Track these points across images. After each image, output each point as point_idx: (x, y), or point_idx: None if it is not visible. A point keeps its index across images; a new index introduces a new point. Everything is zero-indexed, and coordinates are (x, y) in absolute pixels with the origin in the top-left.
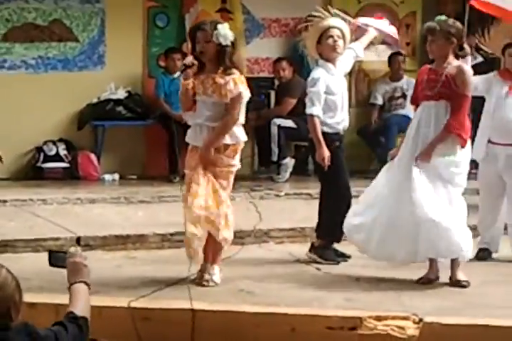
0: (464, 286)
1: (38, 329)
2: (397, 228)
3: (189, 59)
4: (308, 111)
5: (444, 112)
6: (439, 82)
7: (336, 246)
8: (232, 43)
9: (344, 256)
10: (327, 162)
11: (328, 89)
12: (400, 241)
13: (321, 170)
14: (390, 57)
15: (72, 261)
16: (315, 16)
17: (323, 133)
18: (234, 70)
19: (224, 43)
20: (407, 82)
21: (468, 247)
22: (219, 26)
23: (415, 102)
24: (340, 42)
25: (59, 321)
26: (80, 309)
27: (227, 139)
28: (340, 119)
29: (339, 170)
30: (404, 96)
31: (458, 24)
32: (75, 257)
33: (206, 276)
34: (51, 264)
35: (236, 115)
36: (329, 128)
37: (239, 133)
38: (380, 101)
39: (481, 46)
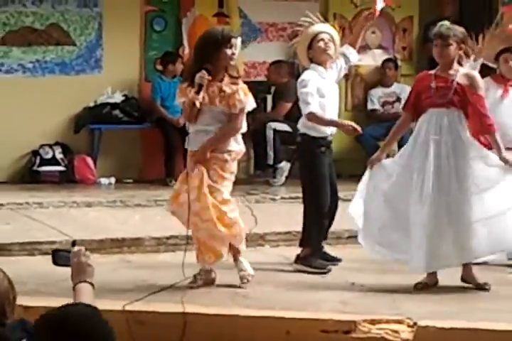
0: (488, 290)
1: None
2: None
3: (204, 76)
4: (305, 111)
5: (458, 120)
6: (451, 89)
7: (327, 249)
8: None
9: (335, 260)
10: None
11: (318, 91)
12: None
13: (304, 175)
14: (382, 64)
15: (76, 260)
16: (305, 22)
17: (309, 137)
18: (239, 80)
19: (235, 51)
20: (400, 87)
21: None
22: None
23: (414, 109)
24: (330, 44)
25: None
26: None
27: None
28: None
29: (320, 176)
30: (399, 100)
31: (464, 30)
32: (79, 256)
33: (241, 273)
34: (55, 263)
35: (239, 124)
36: (316, 132)
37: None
38: (377, 106)
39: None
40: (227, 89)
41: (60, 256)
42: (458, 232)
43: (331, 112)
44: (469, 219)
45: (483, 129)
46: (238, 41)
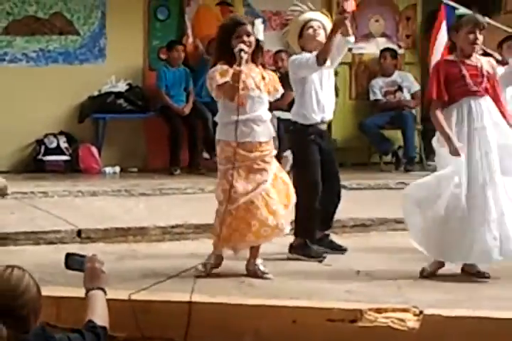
0: (488, 277)
1: (55, 334)
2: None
3: (244, 46)
4: (310, 63)
5: (493, 106)
6: (484, 77)
7: (333, 238)
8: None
9: (341, 249)
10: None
11: (309, 76)
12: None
13: (295, 164)
14: (380, 53)
15: (90, 265)
16: (294, 11)
17: (299, 125)
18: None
19: (260, 38)
20: (401, 76)
21: None
22: (256, 21)
23: (448, 98)
24: (321, 31)
25: (77, 329)
26: (100, 318)
27: (262, 137)
28: (318, 110)
29: (309, 166)
30: (400, 89)
31: None
32: (93, 262)
33: (259, 271)
34: (67, 267)
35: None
36: (305, 120)
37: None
38: (380, 96)
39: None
40: (266, 75)
41: (73, 260)
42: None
43: (322, 100)
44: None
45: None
46: (259, 26)
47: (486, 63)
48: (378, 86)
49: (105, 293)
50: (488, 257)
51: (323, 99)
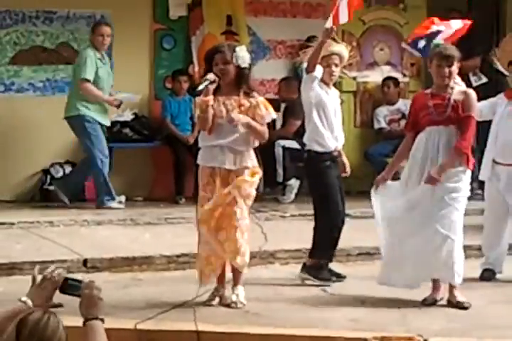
0: (466, 308)
1: None
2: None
3: (211, 75)
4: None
5: (455, 137)
6: (448, 106)
7: (332, 266)
8: (250, 65)
9: (339, 277)
10: None
11: (322, 102)
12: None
13: (313, 189)
14: (382, 82)
15: (88, 292)
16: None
17: (314, 152)
18: (255, 93)
19: (243, 66)
20: (405, 104)
21: (461, 271)
22: (237, 49)
23: (414, 128)
24: (337, 69)
25: None
26: None
27: (249, 162)
28: (332, 137)
29: (329, 189)
30: (404, 117)
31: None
32: (91, 289)
33: (233, 298)
34: (62, 291)
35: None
36: (320, 147)
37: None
38: (384, 124)
39: (496, 65)
40: (246, 103)
41: (70, 285)
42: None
43: (334, 127)
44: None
45: (458, 148)
46: (241, 53)
47: (458, 93)
48: (383, 114)
49: (103, 321)
50: None
51: (336, 127)
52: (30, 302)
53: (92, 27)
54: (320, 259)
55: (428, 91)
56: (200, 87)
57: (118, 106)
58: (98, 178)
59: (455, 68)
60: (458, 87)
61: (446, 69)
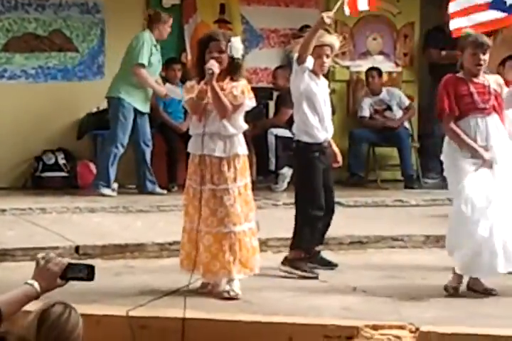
0: (496, 294)
1: None
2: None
3: (215, 64)
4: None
5: (501, 124)
6: (491, 95)
7: (324, 254)
8: (242, 56)
9: (331, 265)
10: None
11: (311, 93)
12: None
13: (298, 179)
14: (366, 73)
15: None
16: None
17: (303, 143)
18: (241, 78)
19: (236, 56)
20: (388, 93)
21: None
22: (232, 39)
23: (454, 114)
24: (328, 60)
25: None
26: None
27: (240, 149)
28: (322, 128)
29: (313, 181)
30: (389, 108)
31: None
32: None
33: (226, 287)
34: (62, 277)
35: (232, 113)
36: (309, 138)
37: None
38: (367, 113)
39: None
40: (227, 86)
41: (73, 268)
42: None
43: (323, 118)
44: None
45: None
46: (236, 43)
47: (493, 82)
48: (368, 103)
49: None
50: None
51: (326, 118)
52: (36, 285)
53: (159, 14)
54: (302, 251)
55: (461, 75)
56: (215, 74)
57: (165, 96)
58: (104, 161)
59: (488, 56)
60: (488, 76)
61: (482, 57)
